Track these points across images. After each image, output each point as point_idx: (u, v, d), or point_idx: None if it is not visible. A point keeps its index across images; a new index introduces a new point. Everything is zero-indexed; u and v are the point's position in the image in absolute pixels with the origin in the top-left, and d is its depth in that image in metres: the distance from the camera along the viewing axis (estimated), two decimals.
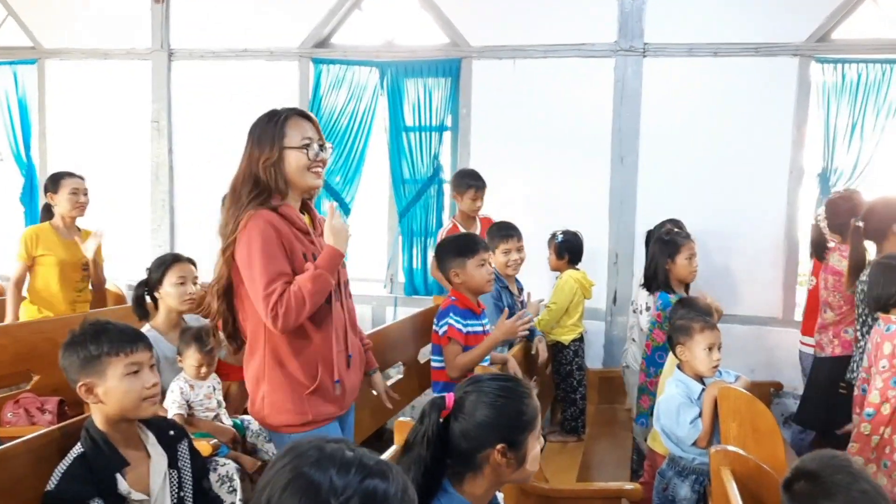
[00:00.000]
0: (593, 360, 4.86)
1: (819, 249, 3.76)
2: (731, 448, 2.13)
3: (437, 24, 5.04)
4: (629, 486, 2.74)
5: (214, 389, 2.99)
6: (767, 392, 4.52)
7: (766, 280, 4.62)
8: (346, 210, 5.20)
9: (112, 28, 5.38)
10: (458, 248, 3.04)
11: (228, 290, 2.27)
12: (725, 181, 4.62)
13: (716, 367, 2.80)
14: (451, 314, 2.94)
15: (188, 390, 2.98)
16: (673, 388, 2.80)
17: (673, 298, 3.48)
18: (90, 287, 4.16)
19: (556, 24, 4.78)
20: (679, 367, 2.88)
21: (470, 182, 4.27)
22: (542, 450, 1.67)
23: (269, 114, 2.28)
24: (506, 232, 3.67)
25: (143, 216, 5.43)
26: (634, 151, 4.74)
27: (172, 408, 2.95)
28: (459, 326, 2.92)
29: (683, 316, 2.88)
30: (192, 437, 2.82)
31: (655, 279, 3.61)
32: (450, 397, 1.63)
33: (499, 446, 1.57)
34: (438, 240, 4.08)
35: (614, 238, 4.77)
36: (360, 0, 5.19)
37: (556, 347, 4.09)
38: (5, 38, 5.67)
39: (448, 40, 5.03)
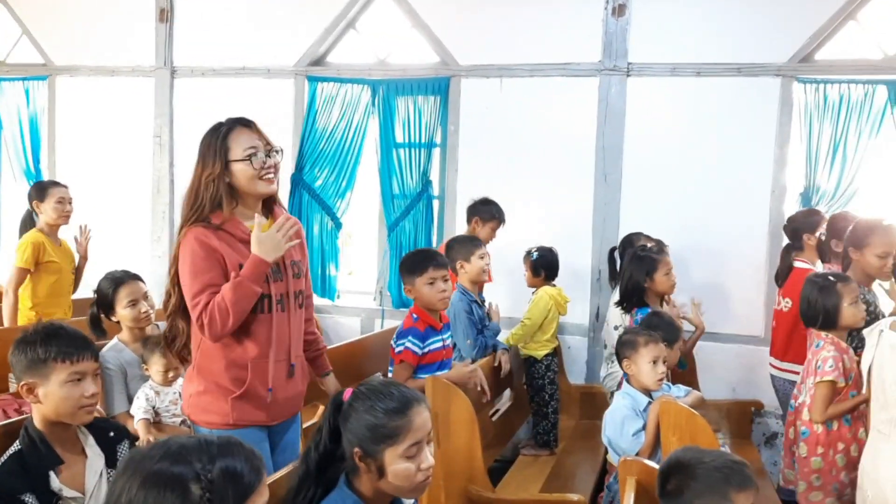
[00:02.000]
0: (576, 375, 4.89)
1: (783, 275, 3.78)
2: (637, 458, 2.17)
3: (427, 43, 5.16)
4: (573, 497, 2.78)
5: (180, 395, 3.10)
6: (748, 411, 4.51)
7: (748, 298, 4.62)
8: (337, 224, 5.33)
9: (119, 46, 5.61)
10: (410, 264, 3.04)
11: (182, 309, 2.36)
12: (708, 199, 4.65)
13: (660, 380, 2.84)
14: (411, 336, 2.94)
15: (154, 396, 3.08)
16: (619, 401, 2.85)
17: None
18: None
19: (542, 43, 4.87)
20: (627, 380, 2.92)
21: (497, 215, 4.39)
22: (418, 469, 1.66)
23: (212, 128, 2.35)
24: (476, 240, 3.74)
25: (144, 227, 5.62)
26: (618, 169, 4.79)
27: (138, 413, 3.05)
28: (416, 349, 2.93)
29: (630, 330, 2.93)
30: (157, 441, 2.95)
31: (632, 297, 3.62)
32: (347, 392, 1.71)
33: (355, 450, 1.64)
34: None
35: (597, 255, 4.81)
36: (354, 20, 5.34)
37: (528, 362, 4.14)
38: (18, 56, 5.93)
39: (438, 59, 5.15)
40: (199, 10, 5.46)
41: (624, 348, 2.87)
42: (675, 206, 4.68)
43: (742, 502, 1.79)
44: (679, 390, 2.94)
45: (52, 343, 2.04)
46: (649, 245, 4.04)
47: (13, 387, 3.67)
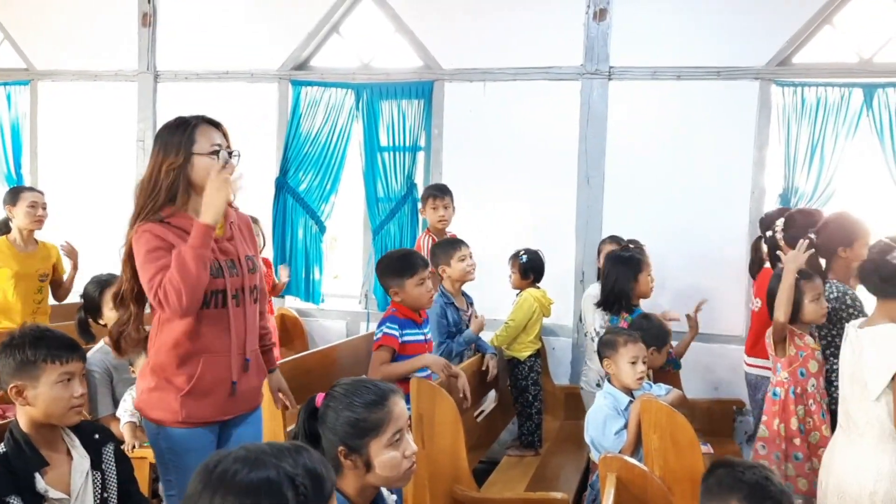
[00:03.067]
0: (560, 376, 4.93)
1: (756, 267, 3.85)
2: (618, 454, 2.20)
3: (410, 47, 5.20)
4: (557, 495, 2.81)
5: None
6: (731, 410, 4.57)
7: (729, 299, 4.68)
8: (321, 228, 5.35)
9: (101, 50, 5.60)
10: (397, 267, 3.07)
11: (134, 295, 2.35)
12: (689, 201, 4.71)
13: (640, 379, 2.88)
14: (388, 323, 3.01)
15: None
16: (601, 400, 2.89)
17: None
18: (49, 300, 4.29)
19: (525, 47, 4.92)
20: (608, 379, 2.96)
21: (429, 191, 4.31)
22: (403, 456, 1.70)
23: (177, 120, 2.35)
24: (456, 241, 3.77)
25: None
26: (600, 172, 4.84)
27: (124, 416, 3.07)
28: (395, 334, 2.98)
29: (610, 331, 2.97)
30: (143, 444, 2.97)
31: (619, 300, 3.66)
32: (320, 397, 1.74)
33: (339, 448, 1.67)
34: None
35: (580, 257, 4.86)
36: (338, 24, 5.36)
37: (512, 363, 4.18)
38: (0, 60, 5.90)
39: (421, 63, 5.18)
40: (183, 15, 5.47)
41: (604, 348, 2.91)
42: (656, 208, 4.74)
43: None
44: (660, 389, 2.99)
45: (41, 345, 2.05)
46: (632, 247, 4.09)
47: None
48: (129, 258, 2.32)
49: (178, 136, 2.31)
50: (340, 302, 5.45)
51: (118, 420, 3.08)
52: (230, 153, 2.37)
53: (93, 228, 5.32)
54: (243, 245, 2.46)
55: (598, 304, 3.85)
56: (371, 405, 1.69)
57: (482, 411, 4.13)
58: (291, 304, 5.41)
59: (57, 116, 5.74)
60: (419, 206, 4.50)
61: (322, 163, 5.28)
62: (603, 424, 2.80)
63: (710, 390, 4.71)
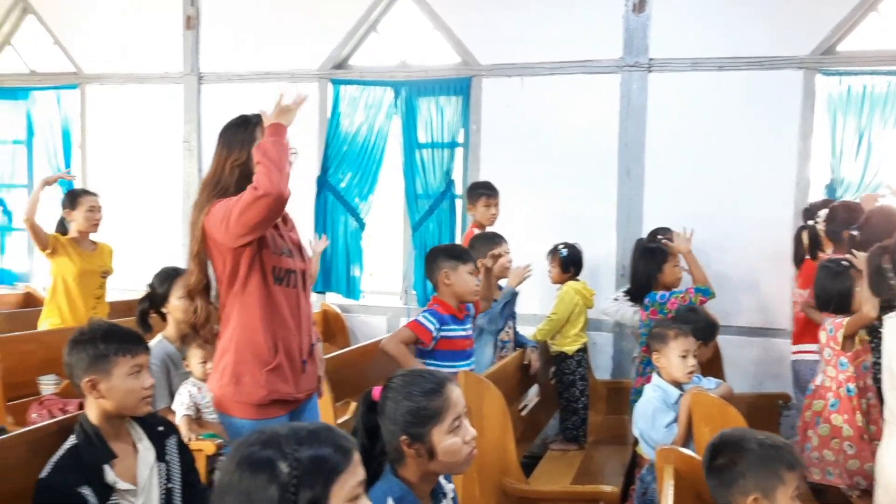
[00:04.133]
0: (602, 370, 4.92)
1: (800, 257, 3.82)
2: (675, 447, 2.21)
3: (448, 44, 5.23)
4: (606, 488, 2.83)
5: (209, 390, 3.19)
6: (775, 404, 4.51)
7: (773, 291, 4.63)
8: (360, 225, 5.41)
9: (147, 54, 5.72)
10: (453, 252, 3.17)
11: (206, 287, 2.42)
12: (732, 193, 4.66)
13: (691, 373, 2.87)
14: (428, 314, 3.05)
15: (196, 393, 3.18)
16: (650, 393, 2.89)
17: (659, 296, 3.58)
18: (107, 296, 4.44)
19: (563, 41, 4.91)
20: (657, 372, 2.96)
21: (481, 191, 4.39)
22: (463, 442, 1.73)
23: (239, 119, 2.43)
24: (496, 236, 3.81)
25: (175, 230, 5.72)
26: (640, 165, 4.82)
27: (180, 410, 3.15)
28: (430, 328, 3.02)
29: (660, 323, 2.97)
30: (199, 437, 3.05)
31: (643, 289, 3.68)
32: (377, 391, 1.78)
33: (402, 438, 1.70)
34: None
35: (621, 251, 4.84)
36: (376, 23, 5.41)
37: (559, 357, 4.19)
38: (49, 65, 6.07)
39: (459, 59, 5.21)
40: (225, 17, 5.56)
41: (654, 341, 2.91)
42: (698, 200, 4.69)
43: (791, 482, 1.82)
44: (709, 382, 2.98)
45: (112, 339, 2.13)
46: (660, 237, 4.09)
47: (49, 388, 3.80)
48: (198, 254, 2.39)
49: (241, 134, 2.37)
50: (380, 298, 5.51)
51: (174, 413, 3.17)
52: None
53: (140, 227, 5.48)
54: (296, 233, 2.58)
55: (626, 293, 3.94)
56: (429, 393, 1.73)
57: (525, 405, 4.16)
58: (333, 300, 5.49)
59: (105, 119, 5.88)
60: (466, 202, 4.52)
61: (361, 160, 5.34)
62: (652, 418, 2.80)
63: (753, 384, 4.66)
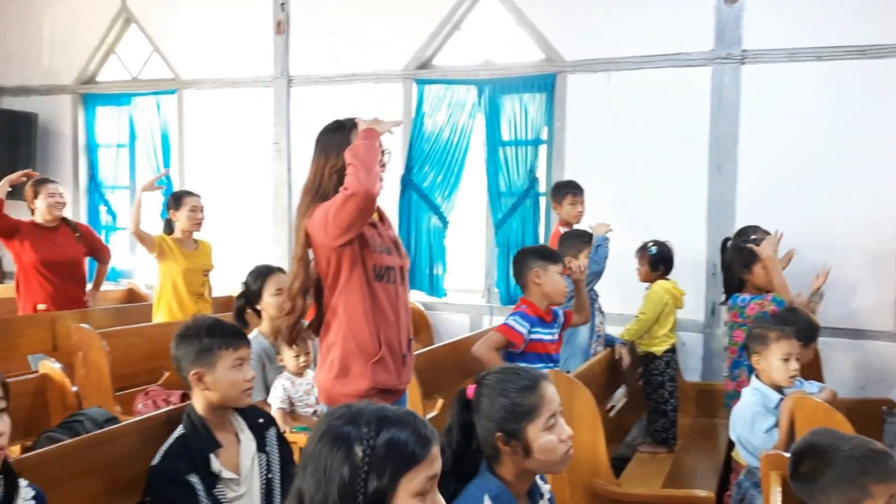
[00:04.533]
0: (691, 372, 4.79)
1: None
2: (781, 452, 2.13)
3: (532, 40, 5.19)
4: (701, 493, 2.75)
5: (313, 387, 3.28)
6: (879, 410, 4.28)
7: (876, 292, 4.39)
8: (444, 223, 5.44)
9: (239, 59, 5.94)
10: (542, 253, 3.17)
11: (306, 289, 2.50)
12: (832, 190, 4.45)
13: (793, 377, 2.76)
14: (519, 317, 3.04)
15: (290, 387, 3.29)
16: (749, 397, 2.79)
17: (741, 299, 3.48)
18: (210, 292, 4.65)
19: (651, 34, 4.80)
20: (756, 375, 2.86)
21: (566, 189, 4.39)
22: (559, 440, 1.74)
23: (334, 124, 2.50)
24: (585, 235, 3.77)
25: (265, 230, 5.93)
26: (733, 160, 4.66)
27: (275, 403, 3.26)
28: (522, 331, 3.01)
29: (761, 324, 2.86)
30: (293, 430, 3.15)
31: (736, 290, 3.57)
32: (471, 389, 1.79)
33: (497, 434, 1.71)
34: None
35: (712, 249, 4.68)
36: (460, 22, 5.43)
37: (648, 358, 4.10)
38: (150, 72, 6.38)
39: (543, 56, 5.17)
40: (313, 21, 5.71)
41: (754, 343, 2.81)
42: (795, 197, 4.50)
43: (881, 495, 1.72)
44: (812, 386, 2.85)
45: (216, 333, 2.23)
46: (754, 236, 3.94)
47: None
48: (303, 256, 2.47)
49: (337, 139, 2.44)
50: (463, 296, 5.54)
51: (269, 406, 3.27)
52: (382, 152, 2.49)
53: (233, 226, 5.68)
54: (393, 231, 2.66)
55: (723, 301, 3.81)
56: (524, 390, 1.73)
57: (613, 406, 4.09)
58: (416, 297, 5.54)
59: (200, 122, 6.14)
60: (551, 201, 4.50)
61: (445, 159, 5.38)
62: (751, 422, 2.70)
63: (854, 389, 4.43)
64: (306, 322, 2.63)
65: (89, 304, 4.78)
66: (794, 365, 2.74)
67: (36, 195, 4.54)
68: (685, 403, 4.61)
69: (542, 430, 1.71)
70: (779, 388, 2.79)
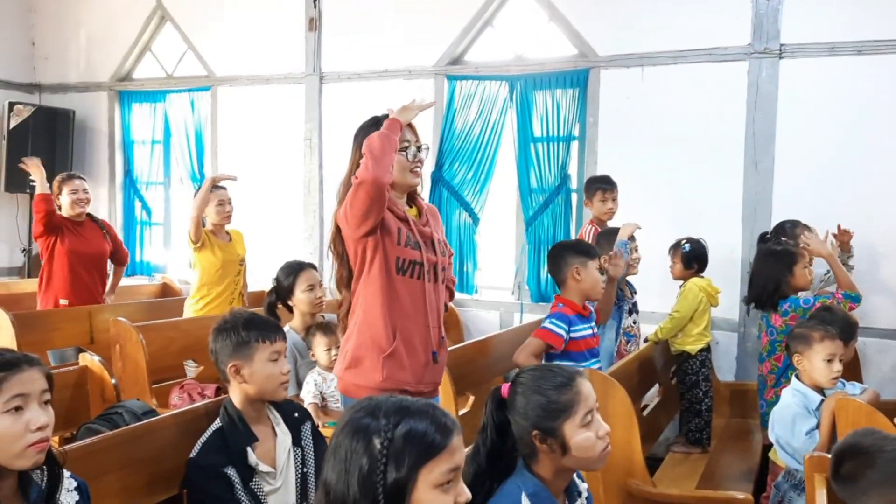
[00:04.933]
0: (725, 372, 4.73)
1: None
2: (825, 455, 2.08)
3: (565, 35, 5.15)
4: (739, 495, 2.71)
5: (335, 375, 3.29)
6: None
7: None
8: (474, 219, 5.43)
9: (272, 56, 5.97)
10: (583, 248, 3.13)
11: (350, 278, 2.51)
12: (873, 188, 4.35)
13: (836, 378, 2.70)
14: (557, 320, 2.99)
15: (321, 382, 3.30)
16: (789, 398, 2.74)
17: (803, 300, 3.40)
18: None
19: (686, 28, 4.73)
20: (797, 376, 2.80)
21: (598, 185, 4.34)
22: (597, 437, 1.71)
23: (371, 119, 2.51)
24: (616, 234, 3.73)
25: (297, 225, 5.96)
26: (770, 157, 4.58)
27: (308, 398, 3.28)
28: (562, 333, 2.97)
29: (803, 324, 2.80)
30: (325, 425, 3.16)
31: (773, 295, 3.48)
32: (505, 387, 1.77)
33: (534, 432, 1.69)
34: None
35: (747, 246, 4.62)
36: (492, 17, 5.41)
37: (681, 357, 4.04)
38: (184, 69, 6.45)
39: (576, 51, 5.12)
40: (345, 18, 5.72)
41: (796, 342, 2.75)
42: (833, 195, 4.41)
43: None
44: (854, 387, 2.79)
45: (253, 327, 2.25)
46: (784, 239, 3.87)
47: (191, 371, 4.03)
48: (337, 249, 2.49)
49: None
50: (493, 293, 5.52)
51: (301, 401, 3.29)
52: (419, 148, 2.50)
53: (265, 222, 5.73)
54: (436, 230, 2.61)
55: (746, 301, 3.75)
56: (559, 387, 1.71)
57: (646, 405, 4.05)
58: None
59: (233, 119, 6.19)
60: (583, 197, 4.47)
61: (476, 155, 5.36)
62: (791, 423, 2.65)
63: (893, 390, 4.33)
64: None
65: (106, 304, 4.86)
66: (837, 366, 2.69)
67: (61, 191, 4.64)
68: (719, 403, 4.54)
69: (579, 427, 1.69)
70: (820, 389, 2.73)
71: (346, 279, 2.52)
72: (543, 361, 3.00)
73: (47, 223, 4.49)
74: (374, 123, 2.48)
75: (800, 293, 3.58)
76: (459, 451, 1.32)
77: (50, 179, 6.27)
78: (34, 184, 4.59)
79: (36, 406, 1.54)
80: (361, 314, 2.47)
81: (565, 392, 1.70)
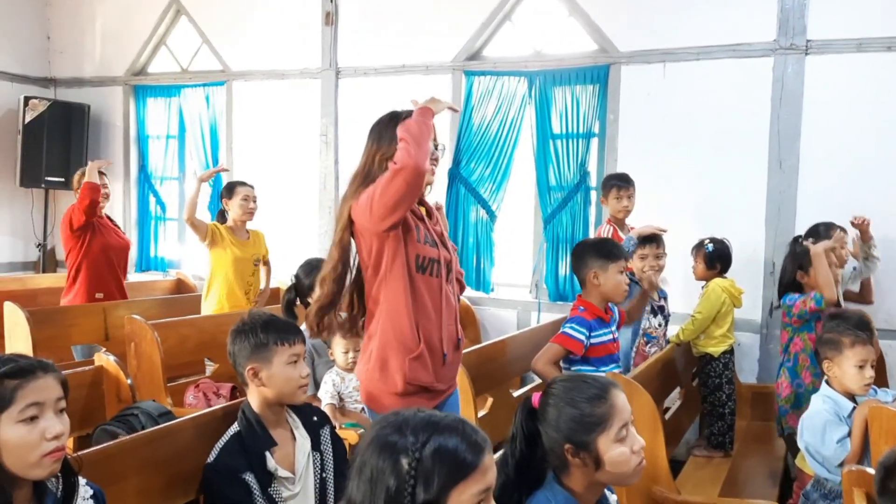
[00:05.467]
0: (747, 374, 4.64)
1: None
2: (865, 468, 2.01)
3: (585, 31, 5.07)
4: None
5: (358, 380, 3.24)
6: None
7: None
8: (492, 217, 5.36)
9: (288, 50, 5.91)
10: (603, 250, 3.01)
11: (342, 276, 2.42)
12: None
13: (868, 385, 2.62)
14: (576, 325, 2.91)
15: (339, 382, 3.26)
16: (819, 404, 2.66)
17: (789, 298, 3.37)
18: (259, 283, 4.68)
19: (710, 24, 4.64)
20: (827, 381, 2.72)
21: (613, 182, 4.26)
22: (631, 451, 1.65)
23: (390, 114, 2.44)
24: (654, 240, 3.65)
25: (312, 221, 5.91)
26: (795, 155, 4.48)
27: (325, 398, 3.24)
28: (581, 339, 2.88)
29: (832, 329, 2.72)
30: (342, 426, 3.11)
31: (786, 289, 3.45)
32: (536, 397, 1.71)
33: (566, 446, 1.63)
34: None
35: (771, 246, 4.53)
36: (510, 12, 5.33)
37: (704, 359, 3.97)
38: (199, 64, 6.41)
39: (596, 47, 5.04)
40: (362, 12, 5.65)
41: (826, 348, 2.67)
42: (859, 195, 4.28)
43: None
44: (886, 395, 2.71)
45: (271, 329, 2.20)
46: (810, 239, 3.79)
47: (209, 370, 4.01)
48: (340, 241, 2.41)
49: (391, 129, 2.37)
50: (510, 291, 5.45)
51: (319, 402, 3.25)
52: (436, 145, 2.44)
53: (280, 218, 5.68)
54: (441, 226, 2.57)
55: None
56: (593, 399, 1.65)
57: (667, 409, 3.98)
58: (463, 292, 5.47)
59: (249, 114, 6.14)
60: (600, 195, 4.39)
61: (493, 152, 5.29)
62: (822, 431, 2.57)
63: None
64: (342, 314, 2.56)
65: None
66: (869, 372, 2.60)
67: (80, 185, 4.63)
68: (740, 406, 4.45)
69: (614, 441, 1.62)
70: (851, 396, 2.65)
71: (338, 274, 2.40)
72: (562, 366, 2.93)
73: (90, 213, 4.52)
74: (393, 118, 2.41)
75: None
76: (491, 469, 1.27)
77: (64, 174, 6.31)
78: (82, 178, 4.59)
79: (51, 414, 1.49)
80: (384, 314, 2.39)
81: (600, 405, 1.64)
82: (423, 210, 2.51)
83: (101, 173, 4.71)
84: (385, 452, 1.21)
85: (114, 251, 4.77)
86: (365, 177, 2.39)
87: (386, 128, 2.41)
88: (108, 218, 4.98)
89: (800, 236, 4.00)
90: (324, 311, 2.44)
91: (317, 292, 2.76)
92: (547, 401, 1.69)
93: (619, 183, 4.22)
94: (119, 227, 5.06)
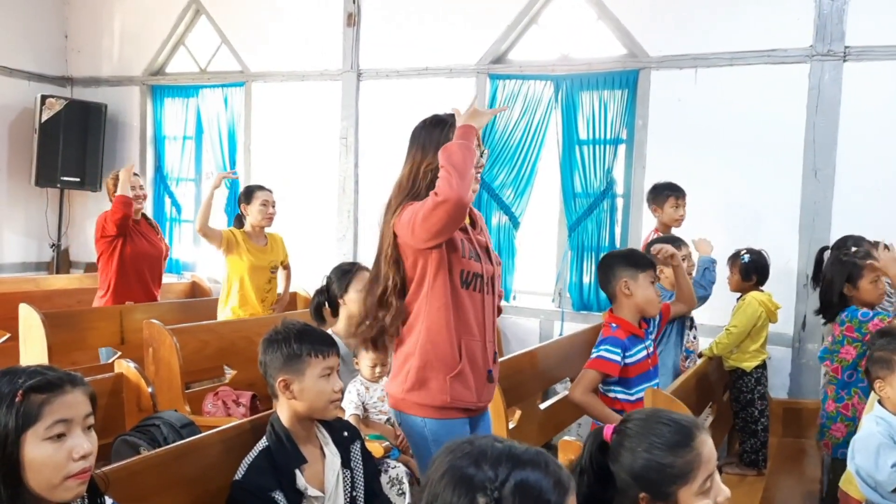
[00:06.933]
0: (778, 389, 4.51)
1: None
2: None
3: (614, 35, 4.96)
4: None
5: (387, 393, 3.14)
6: None
7: None
8: (515, 223, 5.25)
9: (308, 52, 5.83)
10: (631, 259, 2.88)
11: (402, 290, 2.32)
12: None
13: None
14: (609, 346, 2.75)
15: (364, 392, 3.15)
16: (872, 426, 2.52)
17: (861, 314, 3.20)
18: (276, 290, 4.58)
19: (743, 29, 4.52)
20: (880, 402, 2.59)
21: (668, 192, 4.17)
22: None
23: (433, 120, 2.34)
24: (676, 240, 3.55)
25: (330, 225, 5.82)
26: (831, 164, 4.36)
27: (349, 408, 3.13)
28: (616, 359, 2.73)
29: (884, 346, 2.59)
30: (366, 438, 3.00)
31: (837, 306, 3.29)
32: (608, 430, 1.56)
33: (641, 495, 1.47)
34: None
35: (805, 258, 4.40)
36: (537, 15, 5.23)
37: (736, 374, 3.85)
38: (218, 64, 6.33)
39: (625, 51, 4.93)
40: (385, 14, 5.56)
41: (877, 367, 2.54)
42: None
43: None
44: None
45: (305, 340, 2.09)
46: (854, 248, 3.65)
47: (227, 376, 3.91)
48: (394, 255, 2.31)
49: (437, 136, 2.28)
50: (533, 300, 5.34)
51: (343, 411, 3.14)
52: (482, 152, 2.35)
53: (298, 221, 5.59)
54: (484, 237, 2.47)
55: (816, 312, 3.56)
56: (676, 447, 1.46)
57: None
58: None
59: (268, 115, 6.06)
60: (650, 203, 4.25)
61: (518, 157, 5.18)
62: (875, 454, 2.44)
63: None
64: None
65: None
66: None
67: (113, 190, 4.52)
68: (772, 421, 4.33)
69: (697, 494, 1.44)
70: None
71: (399, 289, 2.32)
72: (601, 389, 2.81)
73: (122, 227, 4.34)
74: (437, 123, 2.32)
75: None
76: None
77: (80, 174, 6.23)
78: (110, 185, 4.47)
79: (79, 431, 1.39)
80: (424, 332, 2.29)
81: (682, 454, 1.46)
82: (467, 220, 2.39)
83: (135, 174, 4.59)
84: (461, 488, 1.09)
85: (145, 260, 4.56)
86: (410, 189, 2.31)
87: (430, 135, 2.31)
88: (146, 219, 4.77)
89: (826, 247, 3.87)
90: (387, 326, 2.34)
91: (371, 308, 2.48)
92: (621, 441, 1.52)
93: (676, 192, 4.16)
94: (157, 229, 4.82)
